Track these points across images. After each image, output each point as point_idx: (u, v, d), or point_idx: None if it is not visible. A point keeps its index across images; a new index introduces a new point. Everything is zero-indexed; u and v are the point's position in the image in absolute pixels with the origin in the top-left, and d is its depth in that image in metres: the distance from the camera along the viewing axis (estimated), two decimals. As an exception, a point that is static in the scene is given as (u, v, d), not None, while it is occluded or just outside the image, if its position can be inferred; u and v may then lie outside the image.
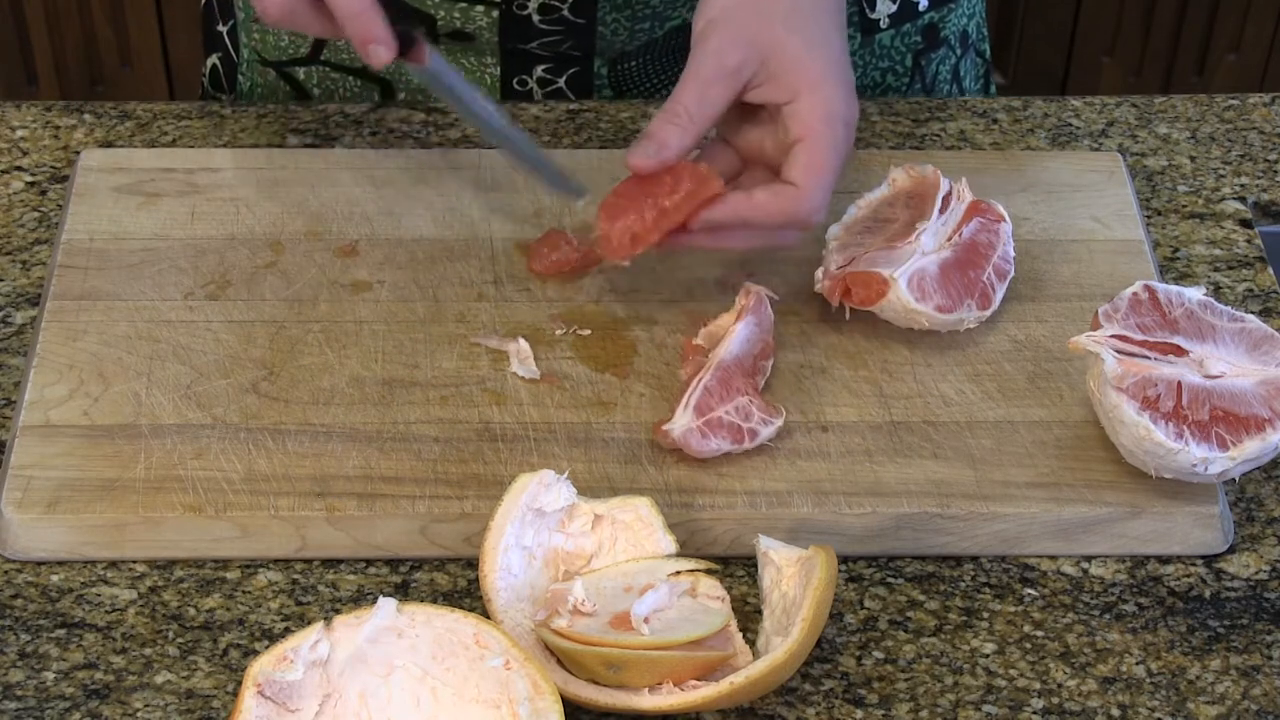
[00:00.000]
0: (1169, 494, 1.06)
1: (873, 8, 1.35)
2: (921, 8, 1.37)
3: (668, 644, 0.95)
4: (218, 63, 1.43)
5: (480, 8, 1.30)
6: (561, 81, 1.34)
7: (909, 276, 1.11)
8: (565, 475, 1.02)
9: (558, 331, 1.14)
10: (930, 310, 1.11)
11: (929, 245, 1.13)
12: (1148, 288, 1.08)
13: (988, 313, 1.14)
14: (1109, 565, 1.06)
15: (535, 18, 1.30)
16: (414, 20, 1.21)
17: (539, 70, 1.33)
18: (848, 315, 1.14)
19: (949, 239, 1.13)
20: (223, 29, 1.42)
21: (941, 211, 1.14)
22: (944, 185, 1.15)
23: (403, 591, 1.04)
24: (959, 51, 1.42)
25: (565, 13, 1.30)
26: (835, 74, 1.10)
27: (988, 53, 1.47)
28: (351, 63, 1.35)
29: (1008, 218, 1.15)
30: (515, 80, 1.34)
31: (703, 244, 1.12)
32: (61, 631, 1.01)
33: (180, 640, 1.01)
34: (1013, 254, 1.15)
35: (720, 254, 1.19)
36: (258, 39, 1.38)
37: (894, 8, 1.35)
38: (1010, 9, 2.59)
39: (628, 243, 1.09)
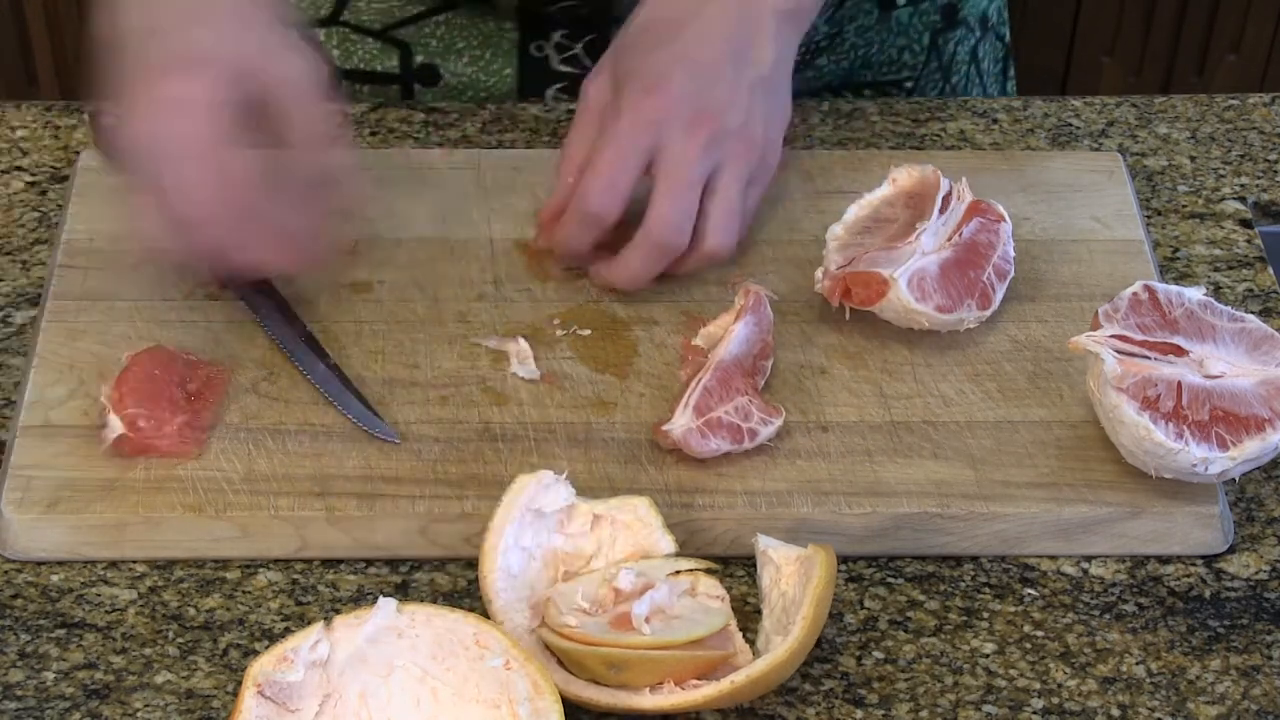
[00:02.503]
0: (1169, 494, 1.06)
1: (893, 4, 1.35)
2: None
3: (668, 644, 0.95)
4: None
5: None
6: (579, 47, 1.33)
7: (909, 276, 1.11)
8: (564, 476, 1.02)
9: (558, 331, 1.14)
10: (930, 310, 1.11)
11: (929, 245, 1.13)
12: (1148, 288, 1.08)
13: (988, 313, 1.14)
14: (1109, 565, 1.06)
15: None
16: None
17: (556, 36, 1.32)
18: (848, 315, 1.14)
19: (949, 239, 1.13)
20: None
21: (941, 211, 1.14)
22: (944, 185, 1.15)
23: (403, 591, 1.04)
24: (978, 34, 1.41)
25: None
26: (676, 80, 1.12)
27: (1008, 37, 1.46)
28: (370, 24, 1.34)
29: (1008, 217, 1.15)
30: (533, 45, 1.33)
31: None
32: (61, 631, 1.01)
33: (180, 640, 1.01)
34: (1013, 254, 1.15)
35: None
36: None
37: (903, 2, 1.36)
38: (1010, 9, 2.59)
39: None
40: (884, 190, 1.17)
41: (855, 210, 1.16)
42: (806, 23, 1.19)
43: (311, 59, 1.07)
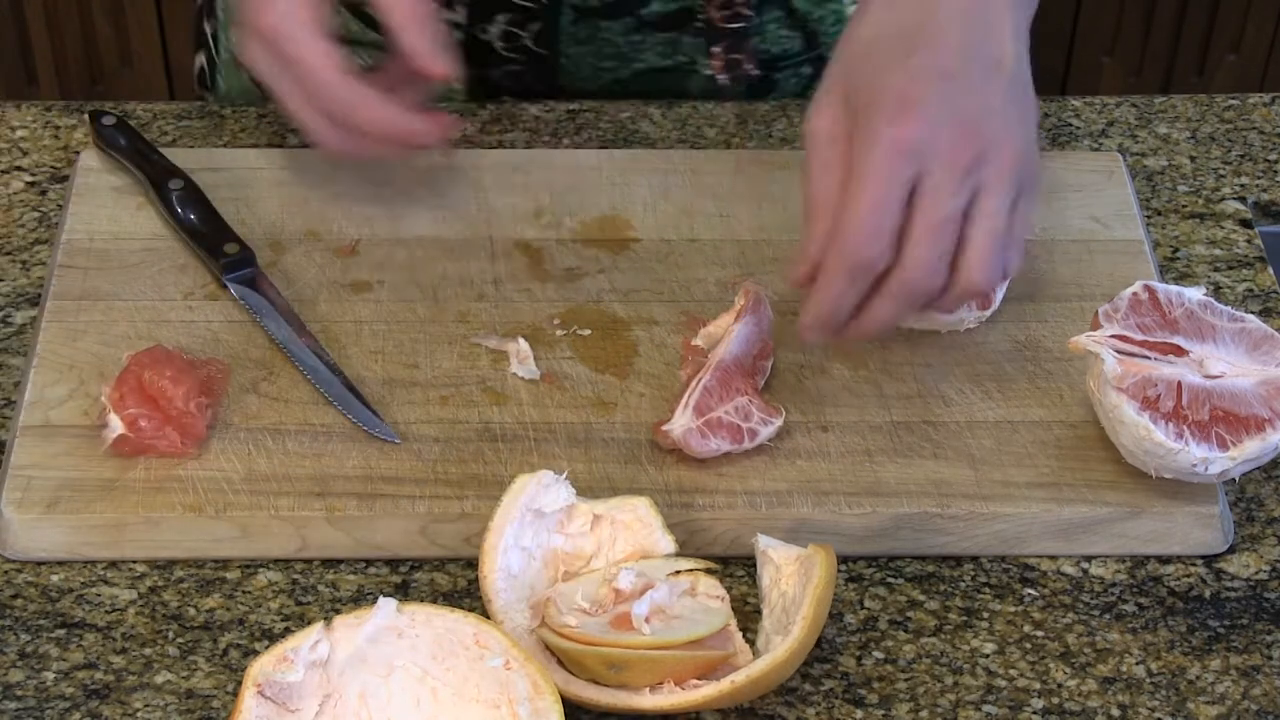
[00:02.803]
0: (1169, 494, 1.06)
1: None
2: None
3: (668, 644, 0.95)
4: (204, 63, 1.42)
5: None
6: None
7: None
8: (564, 476, 1.02)
9: (558, 331, 1.14)
10: (932, 310, 1.11)
11: None
12: (1148, 288, 1.08)
13: (988, 313, 1.14)
14: (1109, 565, 1.06)
15: (498, 44, 1.30)
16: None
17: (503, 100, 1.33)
18: None
19: None
20: (208, 28, 1.41)
21: None
22: None
23: (403, 591, 1.04)
24: None
25: (528, 42, 1.30)
26: (921, 99, 1.02)
27: None
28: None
29: None
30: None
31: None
32: (61, 631, 1.01)
33: (180, 640, 1.01)
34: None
35: (721, 254, 1.19)
36: (235, 40, 1.38)
37: None
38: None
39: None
40: None
41: None
42: (1033, 7, 1.07)
43: None
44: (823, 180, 1.03)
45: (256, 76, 1.15)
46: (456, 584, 1.04)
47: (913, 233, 1.00)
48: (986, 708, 0.99)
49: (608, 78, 1.32)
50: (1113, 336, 1.05)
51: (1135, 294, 1.08)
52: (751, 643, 1.00)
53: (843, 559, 1.05)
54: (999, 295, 1.14)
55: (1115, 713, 0.99)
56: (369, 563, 1.05)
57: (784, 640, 0.95)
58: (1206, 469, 1.02)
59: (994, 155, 1.01)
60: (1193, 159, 1.30)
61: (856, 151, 1.01)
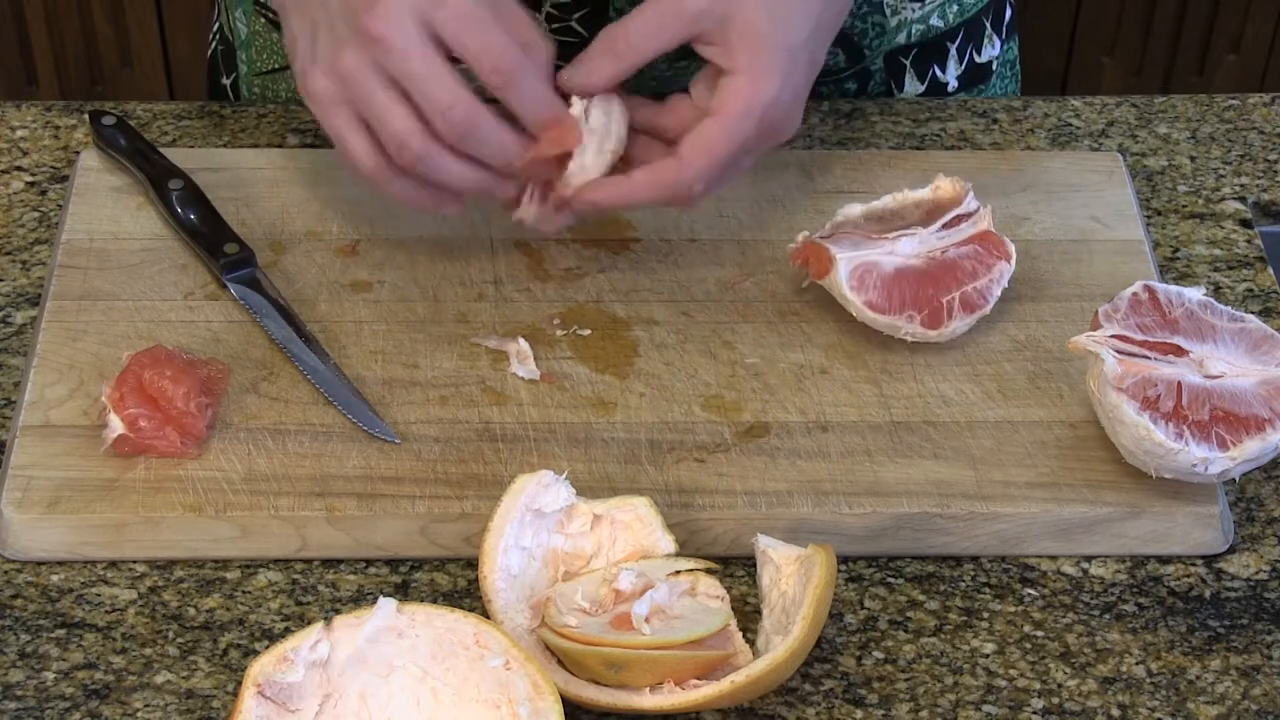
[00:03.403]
0: (1169, 494, 1.06)
1: (900, 88, 1.35)
2: (950, 89, 1.37)
3: (668, 643, 0.95)
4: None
5: None
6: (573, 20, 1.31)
7: (854, 263, 1.11)
8: (564, 476, 1.02)
9: (558, 332, 1.14)
10: (859, 302, 1.11)
11: (905, 249, 1.12)
12: (1148, 288, 1.08)
13: (933, 332, 1.11)
14: (1109, 565, 1.06)
15: (543, 25, 1.30)
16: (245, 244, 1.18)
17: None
18: (804, 283, 1.15)
19: (932, 251, 1.13)
20: (226, 83, 1.41)
21: (947, 226, 1.14)
22: (966, 205, 1.14)
23: (403, 591, 1.04)
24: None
25: (574, 23, 1.29)
26: (783, 68, 1.08)
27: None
28: None
29: (1013, 261, 1.14)
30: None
31: (588, 216, 1.12)
32: (61, 631, 1.01)
33: (180, 640, 1.01)
34: (997, 293, 1.13)
35: (721, 254, 1.19)
36: (257, 92, 1.38)
37: (921, 88, 1.35)
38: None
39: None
40: (922, 193, 1.16)
41: (888, 200, 1.16)
42: None
43: None
44: None
45: (321, 101, 1.07)
46: (456, 584, 1.04)
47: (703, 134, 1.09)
48: (986, 708, 0.99)
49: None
50: (1113, 336, 1.05)
51: (1135, 294, 1.08)
52: (751, 643, 1.00)
53: (843, 559, 1.05)
54: (956, 323, 1.12)
55: (1115, 713, 0.99)
56: (369, 563, 1.05)
57: (784, 640, 0.95)
58: (1206, 469, 1.02)
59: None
60: (1193, 159, 1.30)
61: None
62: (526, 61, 1.06)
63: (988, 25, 1.38)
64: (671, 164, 1.09)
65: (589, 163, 1.10)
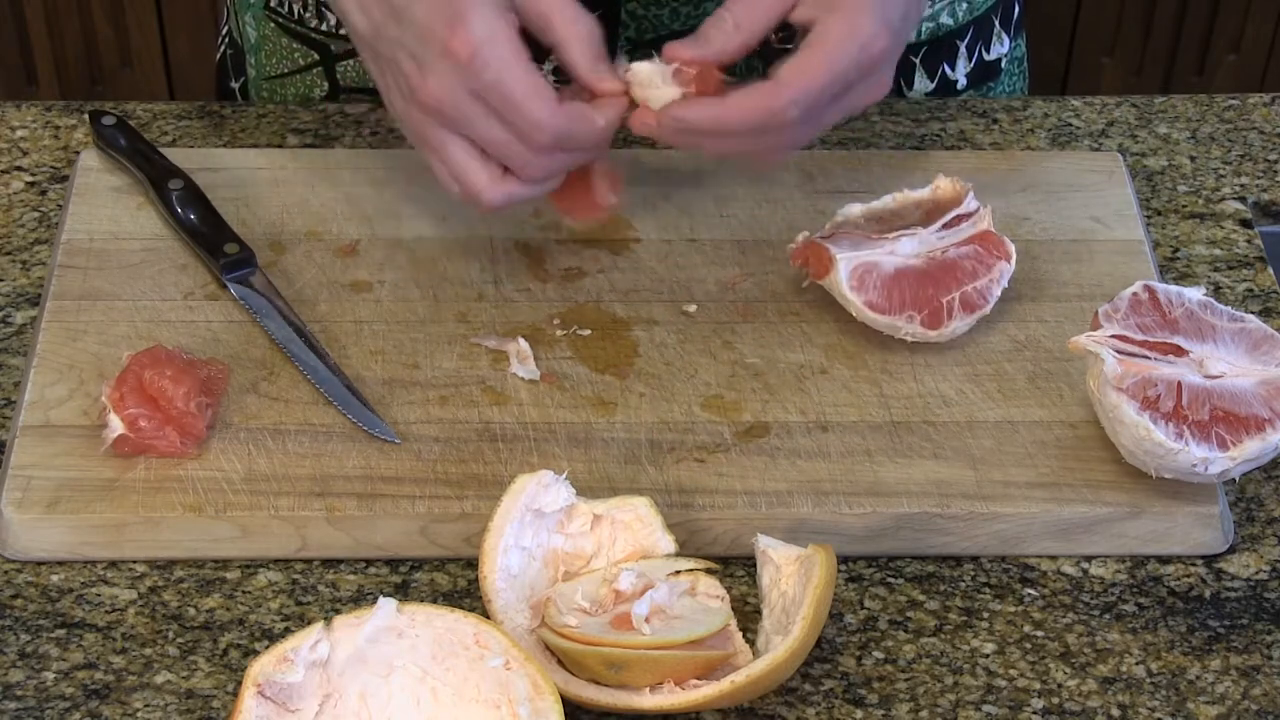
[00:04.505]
0: (1169, 494, 1.06)
1: (910, 86, 1.35)
2: (960, 86, 1.37)
3: (668, 643, 0.95)
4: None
5: None
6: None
7: (854, 263, 1.11)
8: (564, 476, 1.02)
9: (558, 331, 1.14)
10: (860, 302, 1.11)
11: (905, 249, 1.12)
12: (1148, 288, 1.08)
13: (933, 332, 1.12)
14: (1109, 565, 1.06)
15: (550, 80, 1.30)
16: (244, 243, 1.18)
17: None
18: (805, 283, 1.15)
19: (932, 251, 1.13)
20: (235, 86, 1.41)
21: (947, 226, 1.14)
22: (966, 205, 1.14)
23: (403, 591, 1.04)
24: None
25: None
26: (882, 15, 1.07)
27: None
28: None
29: (1013, 261, 1.14)
30: None
31: (677, 143, 1.09)
32: (61, 631, 1.01)
33: (180, 640, 1.01)
34: (997, 293, 1.13)
35: (721, 254, 1.19)
36: (265, 96, 1.38)
37: (931, 86, 1.35)
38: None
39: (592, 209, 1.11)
40: (922, 193, 1.16)
41: (889, 200, 1.16)
42: None
43: None
44: None
45: (417, 125, 1.07)
46: (456, 584, 1.04)
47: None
48: (986, 708, 0.99)
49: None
50: (1113, 336, 1.05)
51: (1135, 294, 1.08)
52: (751, 643, 1.00)
53: (843, 559, 1.05)
54: (957, 323, 1.12)
55: (1115, 713, 0.99)
56: (369, 563, 1.05)
57: (784, 640, 0.95)
58: (1206, 469, 1.02)
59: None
60: (1193, 159, 1.30)
61: None
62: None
63: (997, 23, 1.38)
64: (768, 86, 1.06)
65: (662, 93, 1.08)
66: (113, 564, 1.04)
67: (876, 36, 1.06)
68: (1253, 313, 1.14)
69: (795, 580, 0.98)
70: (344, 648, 0.95)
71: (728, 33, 1.07)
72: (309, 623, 0.99)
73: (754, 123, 1.06)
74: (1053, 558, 1.06)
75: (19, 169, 1.26)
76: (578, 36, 1.07)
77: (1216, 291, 1.20)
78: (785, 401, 1.10)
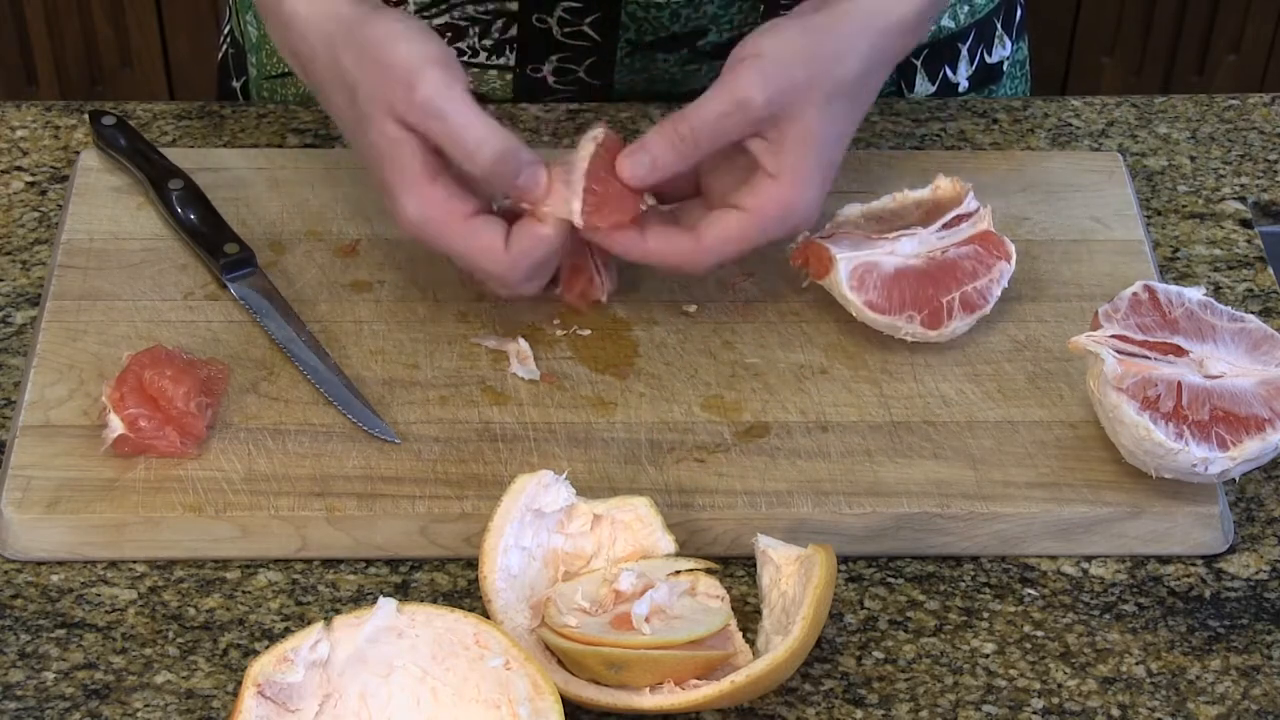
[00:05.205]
0: (1169, 494, 1.06)
1: (911, 88, 1.35)
2: (961, 89, 1.37)
3: (668, 643, 0.95)
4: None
5: (494, 72, 1.29)
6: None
7: (854, 263, 1.11)
8: (564, 476, 1.02)
9: (558, 331, 1.14)
10: (860, 302, 1.11)
11: (905, 249, 1.12)
12: (1148, 288, 1.08)
13: (933, 332, 1.12)
14: (1109, 565, 1.06)
15: (551, 79, 1.30)
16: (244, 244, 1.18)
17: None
18: (805, 283, 1.15)
19: (932, 252, 1.13)
20: (236, 85, 1.41)
21: (947, 226, 1.14)
22: (966, 205, 1.14)
23: (403, 591, 1.04)
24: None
25: (581, 74, 1.30)
26: (822, 175, 1.08)
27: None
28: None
29: (1013, 261, 1.14)
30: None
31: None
32: (61, 631, 1.01)
33: (180, 640, 1.01)
34: (997, 293, 1.13)
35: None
36: (266, 95, 1.38)
37: (932, 88, 1.35)
38: (1010, 9, 2.59)
39: (584, 298, 1.13)
40: (922, 192, 1.16)
41: (889, 201, 1.16)
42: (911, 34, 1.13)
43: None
44: None
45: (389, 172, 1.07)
46: (456, 584, 1.04)
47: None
48: (986, 708, 0.99)
49: (658, 105, 1.31)
50: (1113, 336, 1.05)
51: (1135, 294, 1.08)
52: (751, 643, 1.00)
53: (843, 559, 1.05)
54: (957, 323, 1.12)
55: (1115, 713, 0.99)
56: (369, 563, 1.05)
57: (784, 640, 0.95)
58: (1206, 469, 1.02)
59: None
60: (1193, 159, 1.30)
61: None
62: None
63: (999, 26, 1.38)
64: (688, 243, 1.08)
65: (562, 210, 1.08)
66: (113, 564, 1.04)
67: (810, 208, 1.08)
68: (1253, 313, 1.14)
69: (795, 580, 0.98)
70: (344, 648, 0.95)
71: (681, 152, 1.07)
72: (309, 623, 0.99)
73: (669, 266, 1.10)
74: (1053, 558, 1.06)
75: (19, 169, 1.26)
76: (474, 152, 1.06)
77: (1216, 291, 1.20)
78: (785, 401, 1.10)
